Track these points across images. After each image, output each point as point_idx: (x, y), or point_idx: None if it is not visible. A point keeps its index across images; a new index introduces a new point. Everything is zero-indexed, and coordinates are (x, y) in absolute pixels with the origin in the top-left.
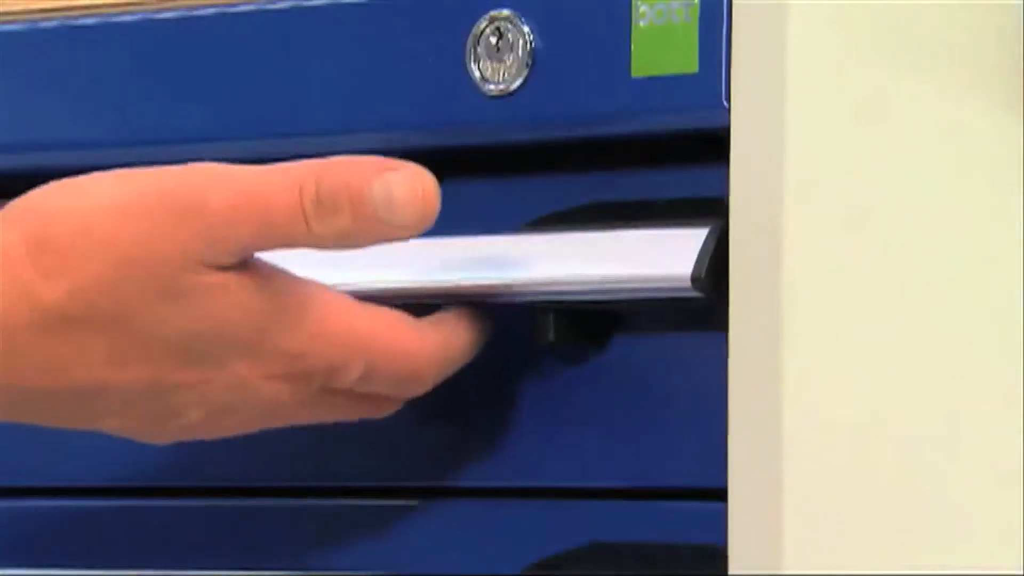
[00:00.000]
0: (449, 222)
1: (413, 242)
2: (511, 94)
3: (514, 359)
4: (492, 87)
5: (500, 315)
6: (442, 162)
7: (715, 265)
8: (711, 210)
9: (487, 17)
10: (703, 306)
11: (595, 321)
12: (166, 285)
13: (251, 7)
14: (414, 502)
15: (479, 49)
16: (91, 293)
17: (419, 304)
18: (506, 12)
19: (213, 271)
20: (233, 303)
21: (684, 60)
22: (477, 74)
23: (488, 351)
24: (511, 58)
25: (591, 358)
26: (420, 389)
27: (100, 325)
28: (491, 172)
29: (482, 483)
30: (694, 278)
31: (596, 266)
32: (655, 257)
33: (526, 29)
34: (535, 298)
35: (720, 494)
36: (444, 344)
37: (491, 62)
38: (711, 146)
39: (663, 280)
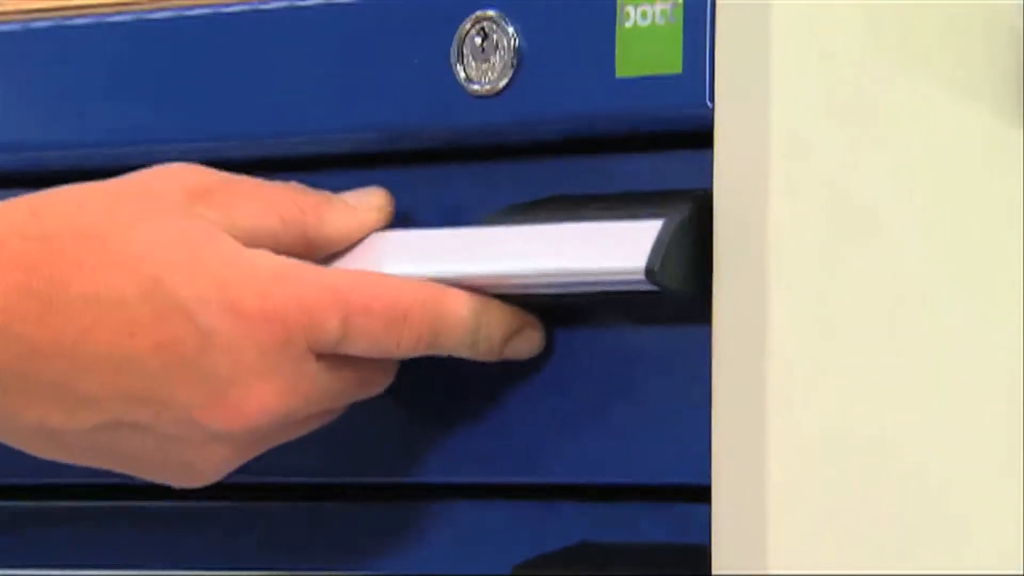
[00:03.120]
0: (437, 220)
1: (373, 235)
2: (496, 94)
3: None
4: (477, 87)
5: None
6: (427, 162)
7: (676, 257)
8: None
9: (472, 17)
10: (682, 301)
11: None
12: None
13: (242, 8)
14: (406, 502)
15: (464, 49)
16: None
17: None
18: (491, 12)
19: None
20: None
21: (668, 60)
22: (462, 74)
23: None
24: (496, 58)
25: (566, 354)
26: (408, 339)
27: None
28: (476, 170)
29: (457, 479)
30: (648, 270)
31: (546, 259)
32: (610, 249)
33: (511, 29)
34: (487, 292)
35: (702, 491)
36: (424, 285)
37: (476, 62)
38: (695, 145)
39: (617, 273)
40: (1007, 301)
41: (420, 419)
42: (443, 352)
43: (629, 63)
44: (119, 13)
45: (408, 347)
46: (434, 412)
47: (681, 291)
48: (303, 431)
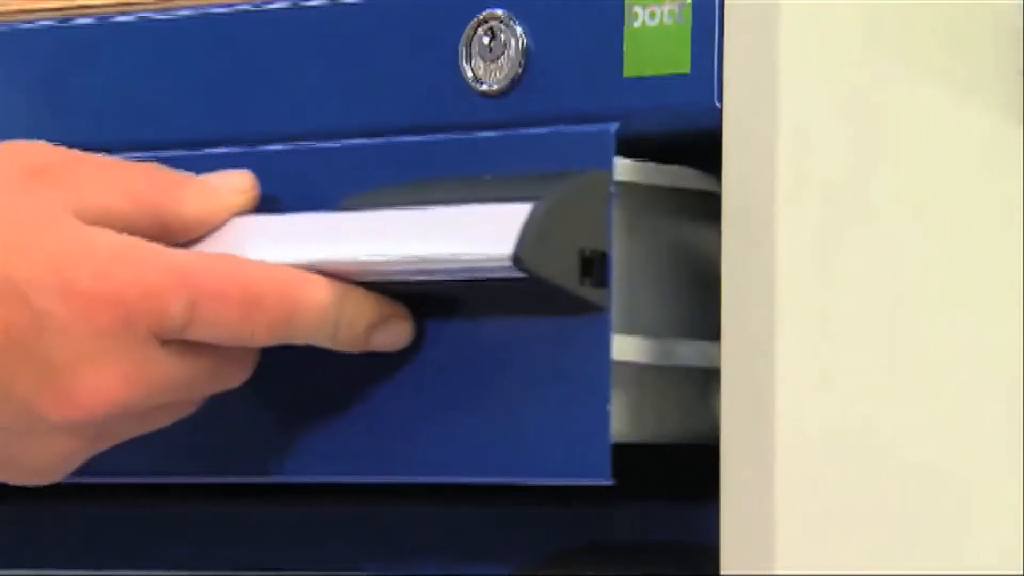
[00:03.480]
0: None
1: (234, 219)
2: (504, 94)
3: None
4: (485, 87)
5: None
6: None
7: (547, 243)
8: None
9: (480, 17)
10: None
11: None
12: None
13: (247, 7)
14: (412, 502)
15: (472, 49)
16: None
17: None
18: (499, 12)
19: None
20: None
21: (676, 61)
22: (470, 74)
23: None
24: (504, 58)
25: (443, 346)
26: (262, 327)
27: None
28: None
29: (323, 478)
30: (515, 257)
31: (410, 245)
32: (477, 235)
33: (519, 29)
34: (352, 280)
35: (708, 493)
36: (281, 269)
37: (484, 62)
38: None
39: (483, 260)
40: (1009, 300)
41: (286, 415)
42: (302, 341)
43: (637, 63)
44: (122, 13)
45: (263, 335)
46: (302, 408)
47: (554, 279)
48: (155, 424)
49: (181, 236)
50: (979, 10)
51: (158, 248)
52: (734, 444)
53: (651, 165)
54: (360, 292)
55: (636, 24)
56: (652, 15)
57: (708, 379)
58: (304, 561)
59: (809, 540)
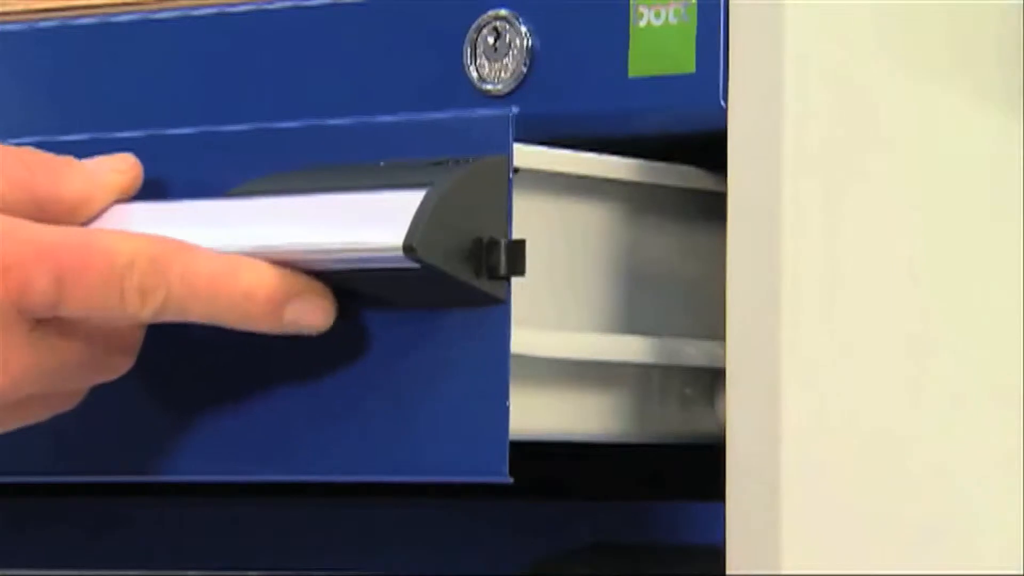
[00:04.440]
0: None
1: (116, 206)
2: (509, 94)
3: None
4: (490, 87)
5: None
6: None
7: (441, 232)
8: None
9: (485, 17)
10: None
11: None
12: None
13: (249, 7)
14: (412, 502)
15: (477, 49)
16: None
17: None
18: (504, 12)
19: None
20: None
21: (682, 60)
22: (475, 74)
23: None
24: (509, 58)
25: (348, 342)
26: (134, 298)
27: None
28: None
29: (218, 478)
30: (407, 247)
31: (296, 233)
32: (368, 223)
33: (524, 29)
34: None
35: (715, 494)
36: (153, 237)
37: (489, 62)
38: (708, 146)
39: (373, 249)
40: (1015, 300)
41: (176, 412)
42: (190, 316)
43: (642, 63)
44: (125, 13)
45: (135, 307)
46: (195, 404)
47: (448, 270)
48: (28, 418)
49: (63, 218)
50: (982, 10)
51: (21, 223)
52: (740, 444)
53: (656, 165)
54: (259, 263)
55: (641, 24)
56: (657, 15)
57: (713, 379)
58: (304, 561)
59: (815, 541)
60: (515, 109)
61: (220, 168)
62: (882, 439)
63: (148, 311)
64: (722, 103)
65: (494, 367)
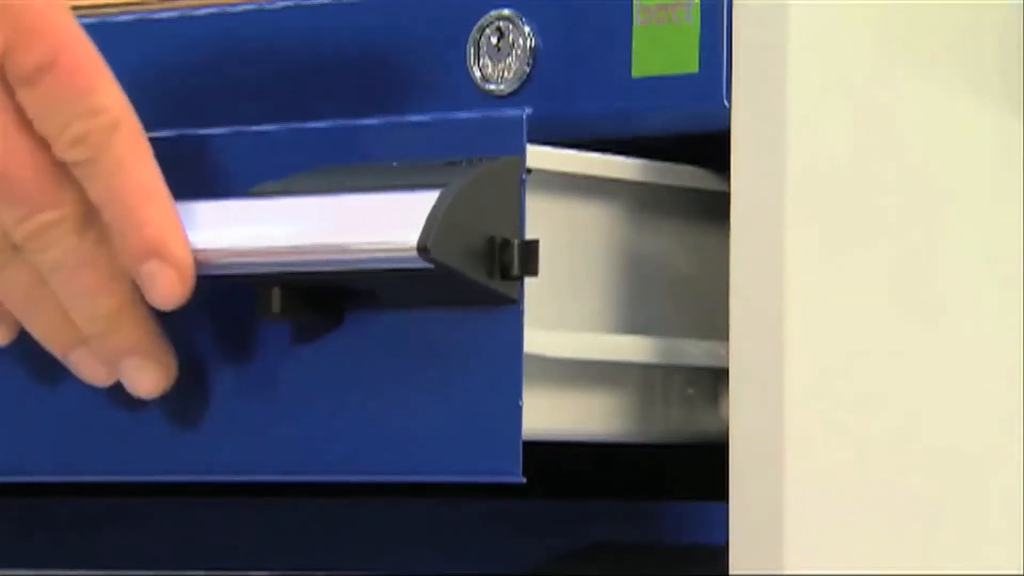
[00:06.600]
0: None
1: None
2: (512, 94)
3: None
4: (493, 87)
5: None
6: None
7: (455, 232)
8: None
9: (488, 17)
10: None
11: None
12: None
13: (249, 7)
14: (412, 501)
15: (480, 49)
16: None
17: None
18: (507, 12)
19: None
20: None
21: (685, 60)
22: (478, 73)
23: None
24: (512, 58)
25: (364, 341)
26: (67, 141)
27: None
28: None
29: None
30: (421, 247)
31: (310, 233)
32: (381, 223)
33: (527, 29)
34: (244, 270)
35: (718, 494)
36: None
37: (492, 61)
38: (712, 146)
39: (386, 249)
40: (1015, 297)
41: (184, 410)
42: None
43: (645, 62)
44: (125, 13)
45: (67, 138)
46: (205, 403)
47: (462, 270)
48: None
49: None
50: (983, 10)
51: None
52: (743, 444)
53: (660, 165)
54: (176, 225)
55: (644, 23)
56: (660, 14)
57: (717, 379)
58: (305, 561)
59: (817, 541)
60: (528, 110)
61: (223, 169)
62: (885, 439)
63: (69, 154)
64: (725, 103)
65: (507, 367)
